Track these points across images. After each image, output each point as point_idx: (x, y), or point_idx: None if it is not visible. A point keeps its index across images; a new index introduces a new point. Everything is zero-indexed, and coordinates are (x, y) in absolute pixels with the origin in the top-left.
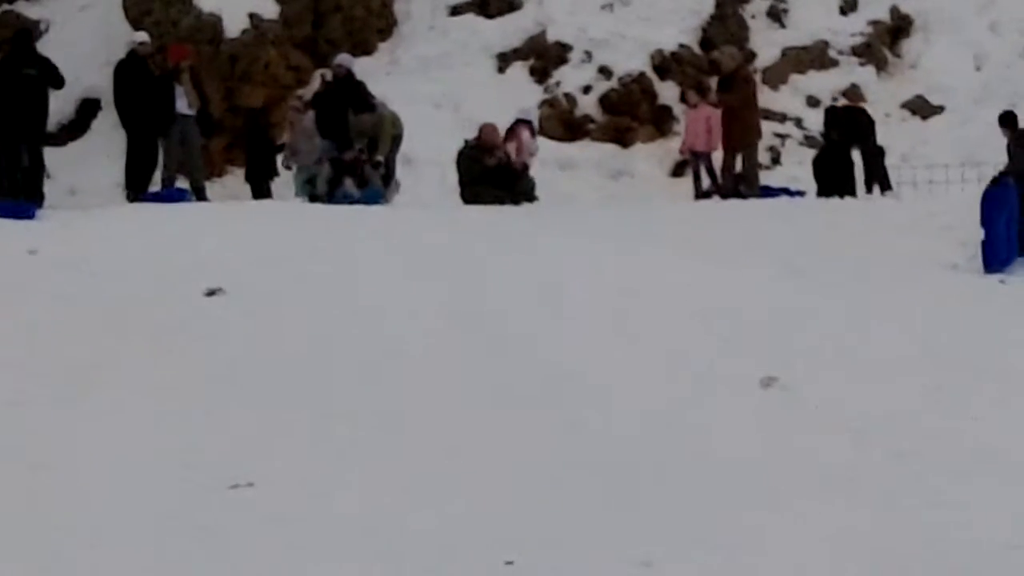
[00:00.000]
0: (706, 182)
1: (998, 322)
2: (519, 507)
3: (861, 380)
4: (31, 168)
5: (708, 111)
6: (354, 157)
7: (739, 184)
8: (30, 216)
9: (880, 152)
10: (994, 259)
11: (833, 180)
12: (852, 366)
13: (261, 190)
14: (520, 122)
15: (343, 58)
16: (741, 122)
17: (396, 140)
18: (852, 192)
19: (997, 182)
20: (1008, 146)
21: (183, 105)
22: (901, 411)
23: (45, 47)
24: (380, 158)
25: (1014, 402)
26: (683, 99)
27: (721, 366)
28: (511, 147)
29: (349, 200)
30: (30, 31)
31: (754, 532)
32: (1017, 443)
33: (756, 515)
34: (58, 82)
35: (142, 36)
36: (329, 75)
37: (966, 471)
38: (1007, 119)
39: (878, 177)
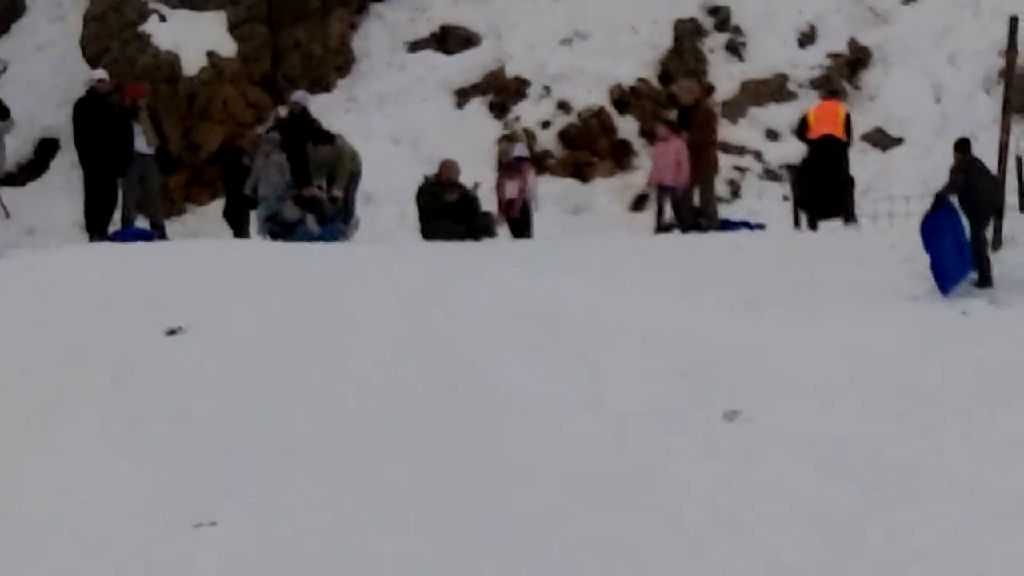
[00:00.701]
0: (669, 215)
1: (960, 353)
2: (484, 541)
3: (825, 412)
4: None
5: (678, 145)
6: (312, 195)
7: (699, 217)
8: None
9: (850, 182)
10: (945, 282)
11: (815, 192)
12: (816, 398)
13: (240, 226)
14: (521, 160)
15: (299, 95)
16: (700, 157)
17: (355, 177)
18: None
19: (938, 205)
20: (952, 169)
21: (142, 143)
22: (866, 443)
23: (3, 87)
24: (338, 193)
25: (979, 433)
26: (643, 133)
27: (684, 400)
28: (513, 185)
29: (310, 238)
30: None
31: (718, 566)
32: (983, 473)
33: (720, 549)
34: (2, 112)
35: (100, 73)
36: (284, 112)
37: (932, 502)
38: (961, 145)
39: (844, 208)
